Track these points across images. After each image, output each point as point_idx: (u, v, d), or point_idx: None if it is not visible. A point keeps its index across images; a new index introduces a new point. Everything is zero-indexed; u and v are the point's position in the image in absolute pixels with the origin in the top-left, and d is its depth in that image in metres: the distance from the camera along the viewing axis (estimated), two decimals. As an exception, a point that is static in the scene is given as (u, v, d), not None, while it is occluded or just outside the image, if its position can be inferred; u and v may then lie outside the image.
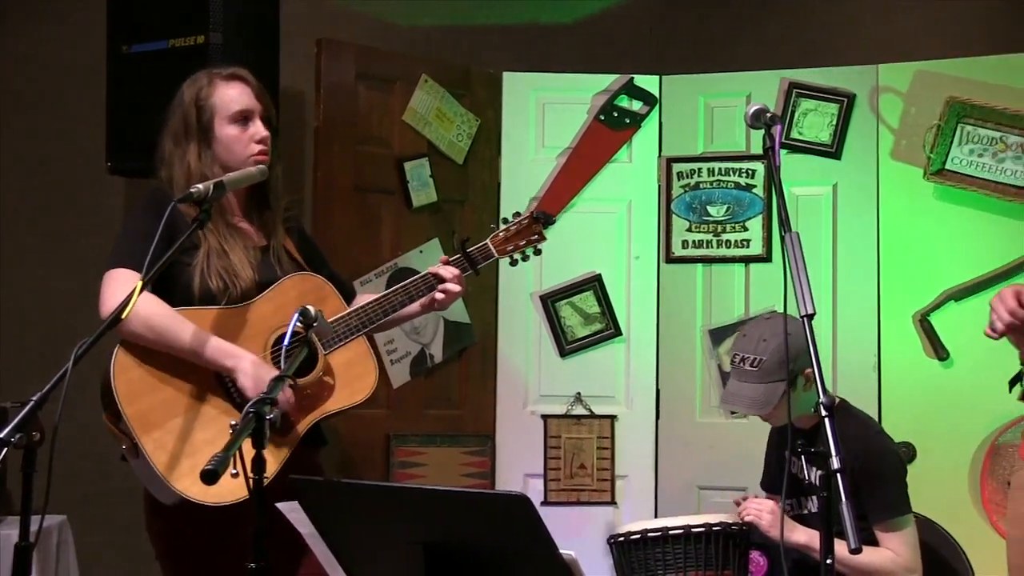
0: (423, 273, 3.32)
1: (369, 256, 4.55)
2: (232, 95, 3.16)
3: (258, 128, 3.17)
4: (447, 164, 4.78)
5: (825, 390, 2.55)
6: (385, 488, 2.57)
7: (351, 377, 3.13)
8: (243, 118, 3.16)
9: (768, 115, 2.83)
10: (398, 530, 2.39)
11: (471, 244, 3.43)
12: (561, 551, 2.33)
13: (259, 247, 3.17)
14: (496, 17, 5.21)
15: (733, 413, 4.71)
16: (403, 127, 4.67)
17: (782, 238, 2.73)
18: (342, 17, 4.87)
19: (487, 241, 3.43)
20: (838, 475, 2.41)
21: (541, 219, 3.54)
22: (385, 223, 4.63)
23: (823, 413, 2.47)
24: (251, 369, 2.94)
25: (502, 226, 3.49)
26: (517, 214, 3.52)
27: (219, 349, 2.96)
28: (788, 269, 2.68)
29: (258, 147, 3.16)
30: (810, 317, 2.63)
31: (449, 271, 3.32)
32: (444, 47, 5.06)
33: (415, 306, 3.34)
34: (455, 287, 3.32)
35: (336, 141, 4.51)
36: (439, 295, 3.30)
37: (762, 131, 2.86)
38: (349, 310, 3.17)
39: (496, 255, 3.44)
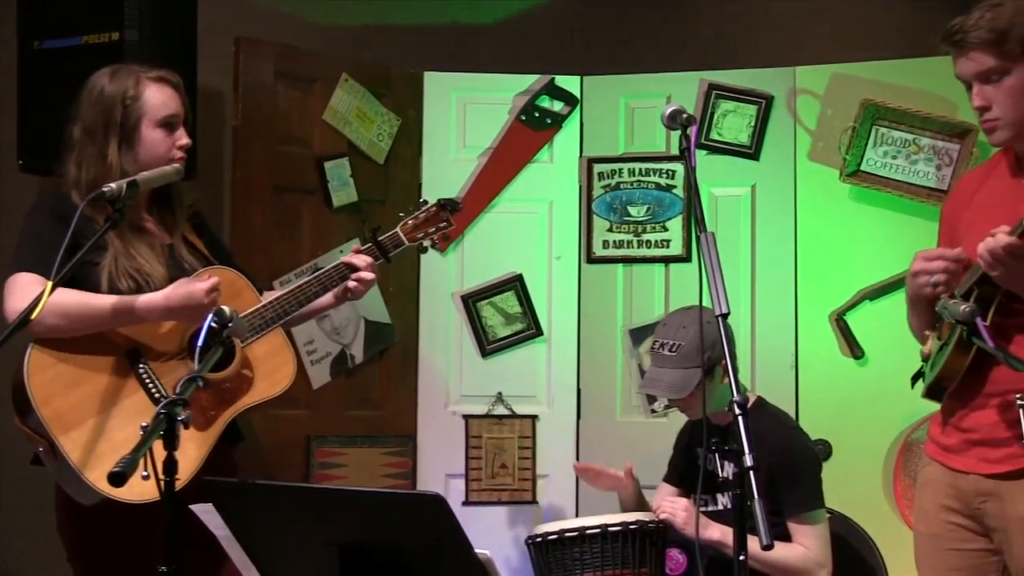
0: (335, 263, 3.34)
1: (289, 256, 4.52)
2: (163, 99, 3.15)
3: (182, 135, 3.18)
4: (368, 164, 4.76)
5: (739, 388, 2.58)
6: (300, 489, 2.57)
7: (269, 369, 3.13)
8: (170, 123, 3.15)
9: (684, 116, 2.85)
10: (314, 531, 2.39)
11: (381, 233, 3.47)
12: (476, 550, 2.33)
13: (165, 245, 3.15)
14: (417, 17, 5.20)
15: (653, 412, 4.76)
16: (323, 126, 4.64)
17: (698, 238, 2.75)
18: (262, 15, 4.83)
19: (397, 229, 3.49)
20: (751, 472, 2.45)
21: (448, 206, 3.62)
22: (305, 223, 4.60)
23: (736, 411, 2.51)
24: (176, 295, 2.93)
25: (411, 214, 3.55)
26: (425, 202, 3.59)
27: (149, 299, 2.94)
28: (704, 269, 2.71)
29: (180, 154, 3.16)
30: (725, 316, 2.67)
31: (362, 259, 3.38)
32: (365, 46, 5.03)
33: (329, 297, 3.36)
34: (368, 275, 3.38)
35: (255, 140, 4.47)
36: (352, 283, 3.34)
37: (679, 132, 2.87)
38: (264, 303, 3.17)
39: (406, 242, 3.51)
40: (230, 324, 2.69)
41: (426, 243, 3.57)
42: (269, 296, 3.26)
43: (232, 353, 3.04)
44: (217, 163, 4.54)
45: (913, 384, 3.09)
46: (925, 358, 3.00)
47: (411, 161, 4.88)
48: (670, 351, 3.61)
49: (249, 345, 3.08)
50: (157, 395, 2.96)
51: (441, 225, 3.58)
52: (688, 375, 3.52)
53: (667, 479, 3.95)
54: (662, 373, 3.63)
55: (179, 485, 2.35)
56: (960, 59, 2.82)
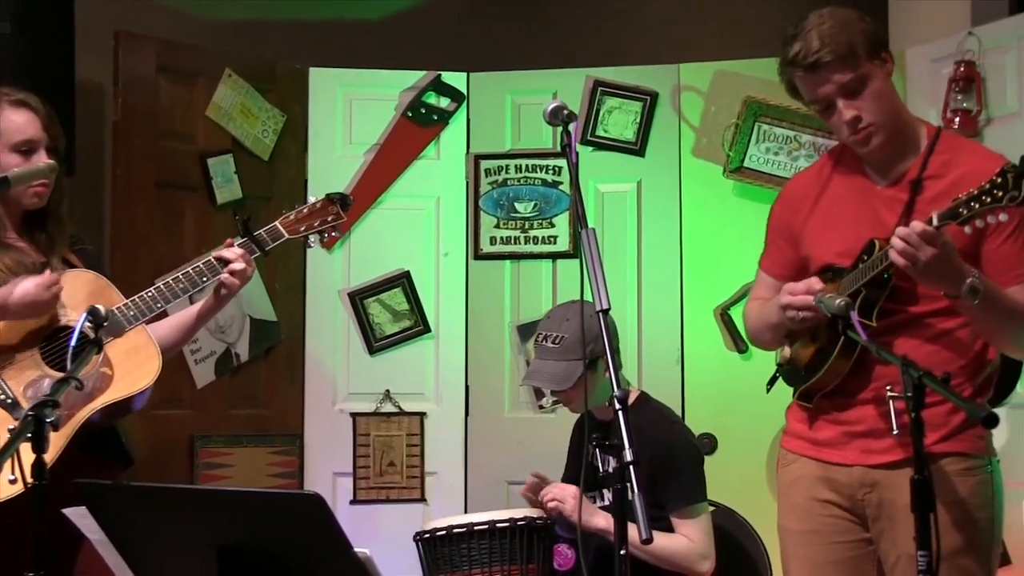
0: (205, 257, 3.23)
1: (171, 254, 4.43)
2: (19, 123, 3.06)
3: (41, 159, 3.06)
4: (252, 160, 4.70)
5: (619, 383, 2.59)
6: (176, 490, 2.51)
7: (132, 365, 3.05)
8: (27, 149, 3.06)
9: (565, 112, 2.85)
10: (191, 533, 2.34)
11: (259, 226, 3.35)
12: (356, 549, 2.30)
13: (37, 263, 3.07)
14: (302, 12, 5.15)
15: (542, 408, 4.77)
16: (207, 122, 4.57)
17: (579, 234, 2.75)
18: (144, 9, 4.75)
19: (276, 223, 3.36)
20: (631, 467, 2.46)
21: (337, 200, 3.49)
22: (188, 220, 4.53)
23: (616, 406, 2.52)
24: (13, 292, 2.87)
25: (295, 208, 3.45)
26: (314, 198, 3.48)
27: None
28: (585, 265, 2.71)
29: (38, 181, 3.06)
30: (605, 312, 2.67)
31: (234, 252, 3.24)
32: (249, 42, 4.98)
33: (209, 300, 3.26)
34: (241, 266, 3.22)
35: (136, 136, 4.39)
36: (225, 276, 3.22)
37: (560, 128, 2.87)
38: (126, 300, 3.08)
39: (286, 235, 3.36)
40: (105, 323, 2.63)
41: (312, 237, 3.45)
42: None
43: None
44: (98, 159, 4.46)
45: (769, 389, 3.13)
46: (783, 362, 3.04)
47: (296, 157, 4.83)
48: (553, 343, 3.63)
49: (110, 343, 2.99)
50: (3, 398, 2.88)
51: (329, 219, 3.47)
52: (571, 367, 3.54)
53: (563, 477, 3.96)
54: (545, 365, 3.64)
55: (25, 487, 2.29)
56: (815, 82, 2.86)
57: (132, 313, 3.06)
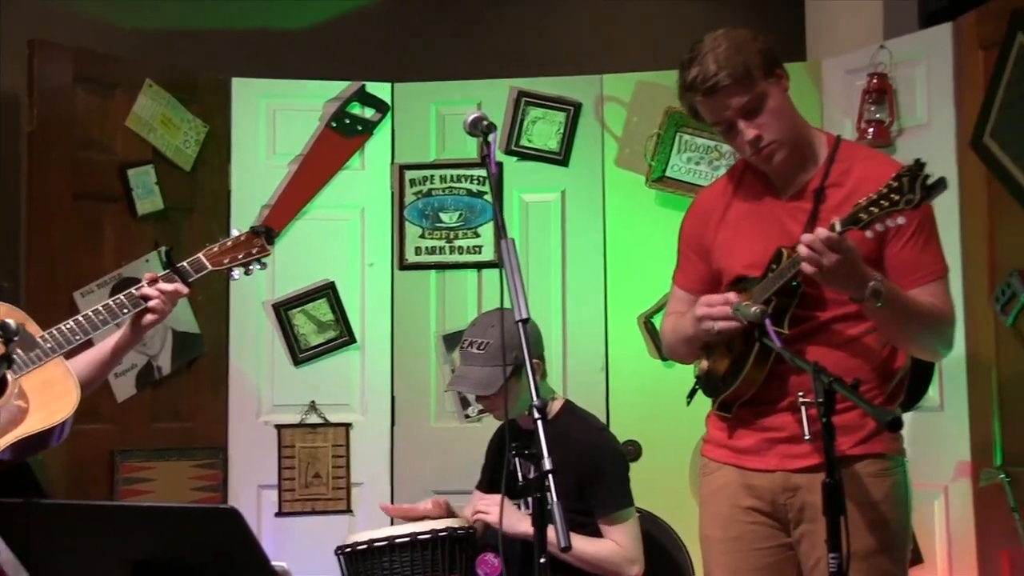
0: (127, 291, 3.18)
1: (91, 266, 4.38)
2: None
3: None
4: (174, 171, 4.65)
5: (539, 392, 2.59)
6: (88, 507, 2.47)
7: (48, 398, 2.96)
8: None
9: (485, 123, 2.85)
10: (105, 550, 2.31)
11: (182, 257, 3.31)
12: (274, 563, 2.28)
13: None
14: (225, 22, 5.11)
15: (468, 417, 4.76)
16: (126, 133, 4.51)
17: (498, 244, 2.75)
18: (60, 17, 4.68)
19: (200, 255, 3.32)
20: (550, 475, 2.46)
21: (262, 232, 3.45)
22: (108, 232, 4.46)
23: (535, 415, 2.52)
24: None
25: (219, 242, 3.40)
26: (238, 231, 3.44)
27: None
28: (504, 275, 2.70)
29: None
30: (524, 322, 2.67)
31: (153, 290, 3.20)
32: (171, 51, 4.92)
33: (126, 332, 3.20)
34: (160, 304, 3.16)
35: (53, 147, 4.32)
36: (147, 316, 3.17)
37: (480, 138, 2.87)
38: (43, 333, 3.02)
39: (210, 267, 3.32)
40: (16, 337, 2.57)
41: (236, 270, 3.42)
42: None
43: (4, 383, 2.90)
44: (14, 171, 4.38)
45: (689, 401, 3.15)
46: (701, 374, 3.07)
47: (219, 168, 4.78)
48: (478, 349, 3.64)
49: (26, 375, 2.93)
50: None
51: (254, 252, 3.43)
52: (495, 373, 3.54)
53: (479, 486, 3.96)
54: (469, 371, 3.65)
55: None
56: (715, 105, 2.90)
57: (50, 345, 3.00)
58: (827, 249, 2.63)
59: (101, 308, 3.09)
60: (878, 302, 2.68)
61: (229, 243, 3.36)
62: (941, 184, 2.50)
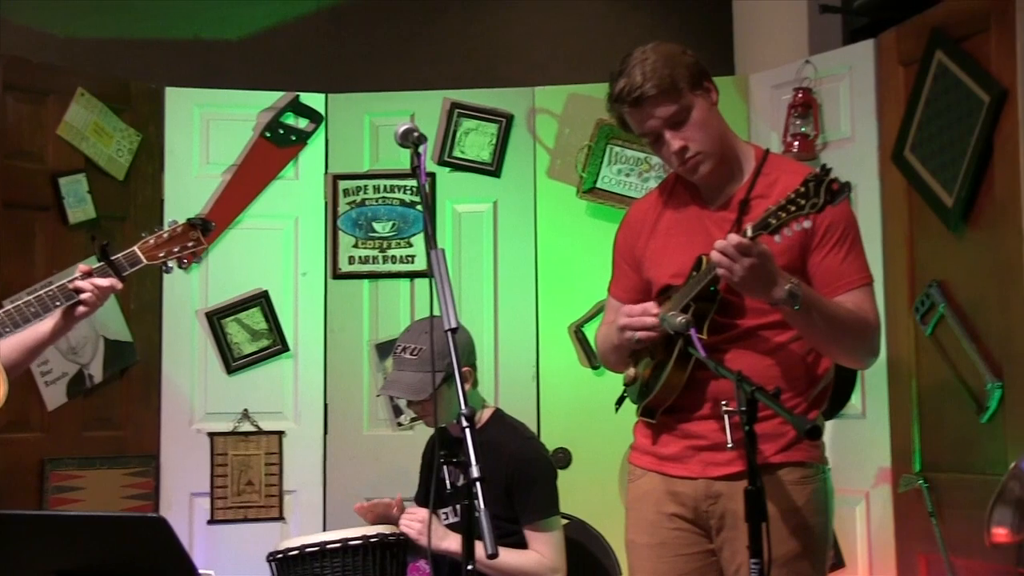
0: (60, 283, 3.15)
1: (21, 275, 4.29)
2: None
3: None
4: (106, 180, 4.59)
5: (467, 401, 2.59)
6: (10, 516, 2.43)
7: None
8: None
9: (415, 134, 2.86)
10: (28, 560, 2.28)
11: (117, 250, 3.27)
12: (201, 571, 2.26)
13: None
14: (158, 31, 5.06)
15: (400, 425, 4.74)
16: (58, 141, 4.45)
17: (428, 255, 2.74)
18: (-8, 26, 4.62)
19: (135, 248, 3.29)
20: (478, 483, 2.46)
21: (198, 225, 3.42)
22: (39, 240, 4.40)
23: (463, 424, 2.52)
24: None
25: (154, 232, 3.37)
26: (174, 222, 3.41)
27: None
28: (433, 285, 2.70)
29: None
30: (453, 331, 2.66)
31: (87, 283, 3.16)
32: (104, 61, 4.86)
33: (59, 321, 3.17)
34: (93, 298, 3.16)
35: (-19, 156, 4.26)
36: (79, 308, 3.14)
37: (411, 150, 2.87)
38: None
39: (144, 261, 3.30)
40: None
41: (170, 262, 3.37)
42: None
43: None
44: (-57, 179, 4.30)
45: (617, 408, 3.17)
46: (630, 381, 3.08)
47: (152, 177, 4.73)
48: (411, 355, 3.63)
49: None
50: None
51: (189, 245, 3.39)
52: (427, 379, 3.52)
53: (416, 497, 3.94)
54: (402, 376, 3.64)
55: None
56: (642, 116, 2.92)
57: None
58: (739, 254, 2.65)
59: (33, 300, 3.07)
60: (795, 305, 2.71)
61: (165, 235, 3.33)
62: (845, 189, 2.54)
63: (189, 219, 3.39)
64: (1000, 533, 3.32)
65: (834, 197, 2.54)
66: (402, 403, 4.63)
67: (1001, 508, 3.31)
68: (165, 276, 4.59)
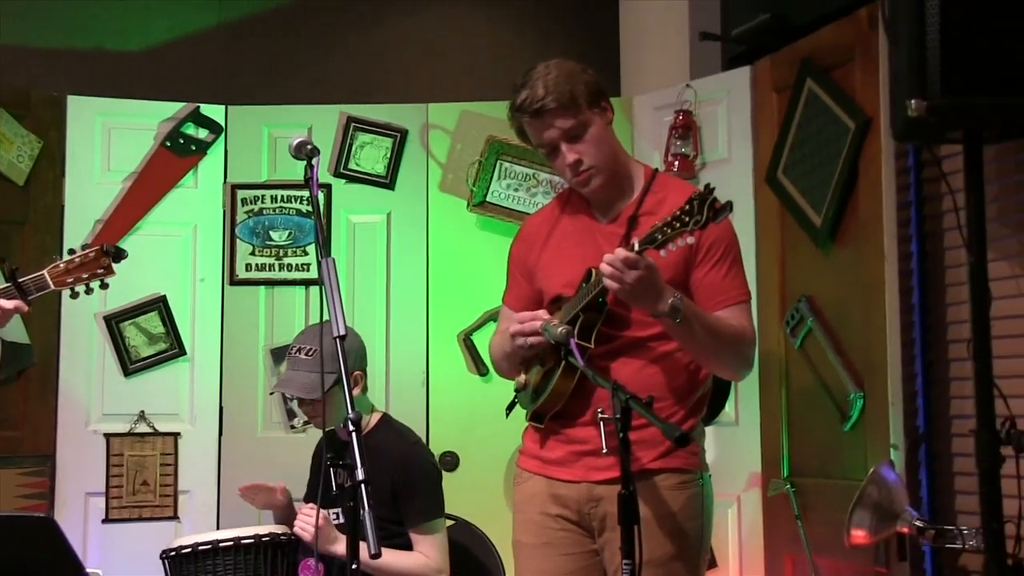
0: None
1: (-83, 279, 4.18)
2: None
3: None
4: (6, 185, 4.47)
5: (353, 406, 2.58)
6: None
7: None
8: None
9: (309, 147, 2.86)
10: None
11: (25, 273, 3.19)
12: (89, 570, 2.20)
13: None
14: (61, 40, 4.95)
15: (293, 428, 4.69)
16: (-43, 147, 4.34)
17: (319, 264, 2.72)
18: None
19: (44, 272, 3.20)
20: (363, 486, 2.45)
21: (111, 252, 3.36)
22: (-65, 246, 4.28)
23: (350, 428, 2.51)
24: None
25: (66, 256, 3.28)
26: (86, 246, 3.33)
27: None
28: (324, 293, 2.68)
29: None
30: (342, 338, 2.65)
31: None
32: (5, 68, 4.74)
33: None
34: None
35: None
36: None
37: (304, 161, 2.85)
38: None
39: (52, 287, 3.22)
40: None
41: (79, 288, 3.30)
42: None
43: None
44: None
45: (508, 413, 3.17)
46: (520, 388, 3.09)
47: (53, 183, 4.61)
48: (305, 355, 3.62)
49: None
50: None
51: (99, 272, 3.33)
52: (319, 379, 3.49)
53: (304, 496, 3.91)
54: (295, 375, 3.62)
55: None
56: (540, 127, 2.95)
57: None
58: (626, 267, 2.67)
59: None
60: (677, 318, 2.73)
61: (76, 260, 3.26)
62: (726, 208, 2.58)
63: (103, 246, 3.32)
64: (859, 535, 3.38)
65: (716, 215, 2.57)
66: (295, 406, 4.58)
67: (860, 511, 3.37)
68: (64, 279, 4.49)
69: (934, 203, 3.73)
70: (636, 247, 2.68)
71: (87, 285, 3.28)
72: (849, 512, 3.37)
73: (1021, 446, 2.95)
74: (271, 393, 4.38)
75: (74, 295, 3.32)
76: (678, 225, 2.61)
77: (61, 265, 3.22)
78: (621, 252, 2.69)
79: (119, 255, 3.35)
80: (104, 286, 3.31)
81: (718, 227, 2.86)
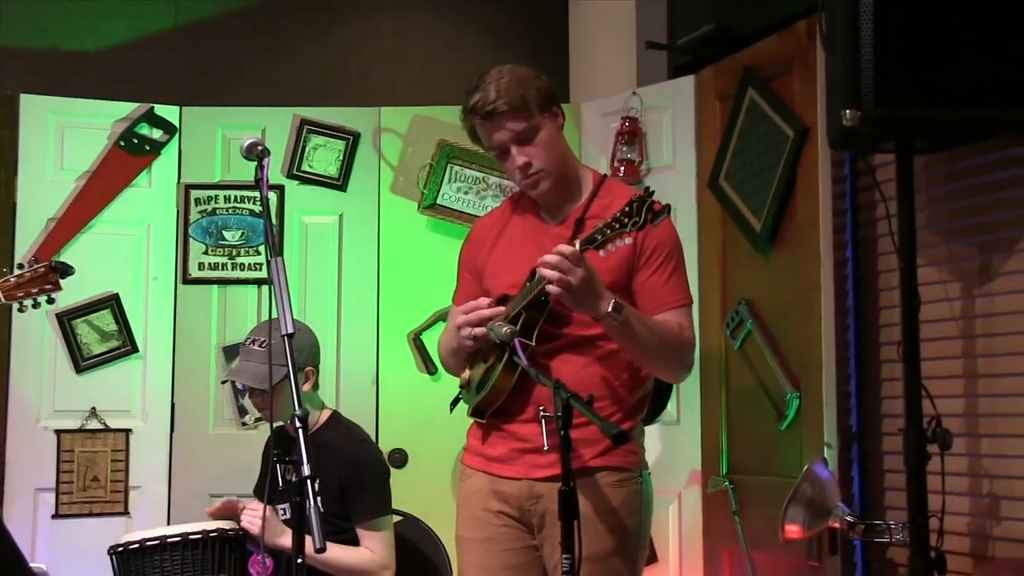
0: None
1: None
2: None
3: None
4: (-42, 183, 4.44)
5: (300, 403, 2.59)
6: None
7: None
8: None
9: (259, 148, 2.87)
10: None
11: None
12: (32, 565, 2.19)
13: None
14: (16, 40, 4.91)
15: (244, 424, 4.67)
16: (-90, 144, 4.29)
17: (269, 263, 2.73)
18: None
19: None
20: (309, 481, 2.46)
21: (59, 269, 3.37)
22: None
23: (296, 424, 2.52)
24: None
25: (15, 272, 3.29)
26: (35, 261, 3.33)
27: None
28: (272, 292, 2.69)
29: None
30: (290, 336, 2.66)
31: None
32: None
33: None
34: None
35: None
36: None
37: (255, 162, 2.86)
38: None
39: (4, 300, 3.23)
40: None
41: (27, 302, 3.30)
42: None
43: None
44: None
45: (452, 408, 3.19)
46: (465, 384, 3.11)
47: (5, 181, 4.57)
48: (259, 347, 3.63)
49: None
50: None
51: (47, 287, 3.34)
52: (272, 370, 3.50)
53: (254, 490, 3.91)
54: (248, 366, 3.64)
55: None
56: (492, 129, 2.97)
57: None
58: (571, 265, 2.69)
59: None
60: (618, 319, 2.75)
61: (27, 275, 3.29)
62: (665, 210, 2.62)
63: (53, 261, 3.33)
64: (793, 530, 3.42)
65: (655, 217, 2.60)
66: (246, 402, 4.57)
67: (794, 507, 3.42)
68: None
69: (868, 210, 3.78)
70: (577, 247, 2.71)
71: (35, 299, 3.29)
72: (784, 508, 3.42)
73: (946, 444, 3.01)
74: (223, 382, 4.37)
75: (22, 309, 3.35)
76: (617, 226, 2.64)
77: (12, 280, 3.25)
78: (566, 248, 2.71)
79: (66, 271, 3.38)
80: (51, 301, 3.31)
81: (661, 232, 2.90)
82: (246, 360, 3.67)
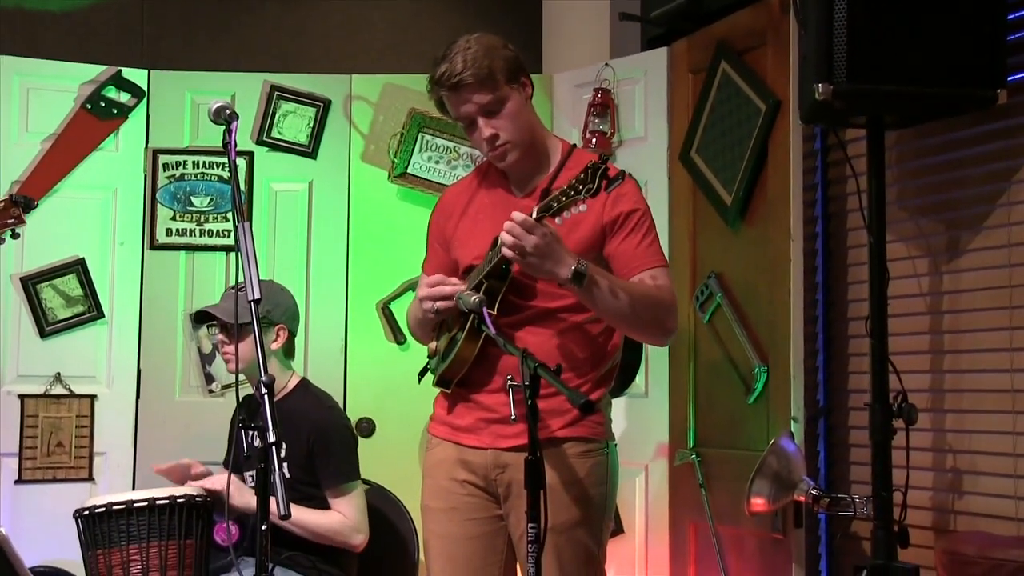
0: None
1: None
2: None
3: None
4: (-77, 143, 4.39)
5: (265, 369, 2.57)
6: None
7: None
8: None
9: (227, 112, 2.84)
10: None
11: None
12: (-6, 529, 2.18)
13: None
14: (-20, -1, 4.85)
15: (211, 392, 4.66)
16: None
17: (236, 228, 2.71)
18: None
19: None
20: (274, 447, 2.46)
21: (20, 203, 3.32)
22: None
23: (261, 391, 2.51)
24: None
25: None
26: None
27: None
28: (239, 257, 2.68)
29: None
30: (257, 302, 2.65)
31: None
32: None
33: None
34: None
35: None
36: None
37: (223, 126, 2.83)
38: None
39: None
40: None
41: None
42: None
43: None
44: None
45: (420, 378, 3.18)
46: (432, 354, 3.10)
47: (-30, 143, 4.53)
48: (239, 291, 3.61)
49: None
50: None
51: (9, 221, 3.28)
52: (244, 311, 3.49)
53: (224, 460, 3.90)
54: (222, 304, 3.69)
55: None
56: (458, 101, 2.95)
57: None
58: (524, 232, 2.69)
59: None
60: (581, 284, 2.74)
61: None
62: (619, 177, 2.61)
63: (11, 196, 3.29)
64: (758, 503, 3.45)
65: (609, 184, 2.60)
66: (214, 370, 4.57)
67: (760, 480, 3.44)
68: (-21, 241, 4.41)
69: (839, 185, 3.80)
70: (534, 214, 2.71)
71: None
72: (750, 481, 3.44)
73: (911, 419, 3.04)
74: (191, 315, 4.33)
75: None
76: (572, 193, 2.64)
77: None
78: (518, 215, 2.71)
79: (28, 205, 3.32)
80: (15, 235, 3.26)
81: (630, 197, 2.90)
82: (223, 302, 3.74)
